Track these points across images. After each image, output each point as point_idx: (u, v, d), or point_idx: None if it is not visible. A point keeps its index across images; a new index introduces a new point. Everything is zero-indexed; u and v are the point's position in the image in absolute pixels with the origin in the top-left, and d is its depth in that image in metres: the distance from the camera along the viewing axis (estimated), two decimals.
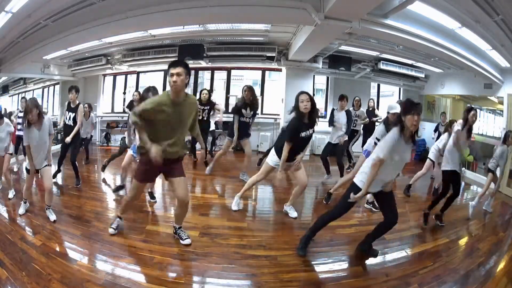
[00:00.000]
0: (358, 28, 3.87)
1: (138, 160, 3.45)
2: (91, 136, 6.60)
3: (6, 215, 3.36)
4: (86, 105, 6.17)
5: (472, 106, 3.88)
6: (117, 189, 4.23)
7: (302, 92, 3.18)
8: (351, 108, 5.66)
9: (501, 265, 2.80)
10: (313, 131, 3.25)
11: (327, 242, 3.08)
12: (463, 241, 3.28)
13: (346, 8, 3.46)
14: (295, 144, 3.19)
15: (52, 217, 3.22)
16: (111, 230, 2.97)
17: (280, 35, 5.94)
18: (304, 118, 3.14)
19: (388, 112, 3.72)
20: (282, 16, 4.02)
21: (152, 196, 3.98)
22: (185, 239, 2.87)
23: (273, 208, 4.06)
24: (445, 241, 3.19)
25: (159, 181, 4.47)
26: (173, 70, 2.44)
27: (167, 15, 4.02)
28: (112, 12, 4.21)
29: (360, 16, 3.72)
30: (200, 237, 3.00)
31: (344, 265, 2.71)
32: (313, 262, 2.66)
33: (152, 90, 3.42)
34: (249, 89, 4.64)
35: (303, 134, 3.15)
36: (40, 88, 10.17)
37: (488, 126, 6.52)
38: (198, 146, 6.02)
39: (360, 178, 2.58)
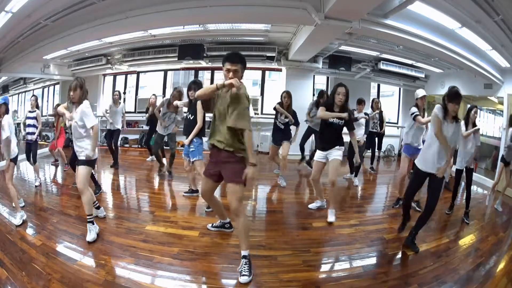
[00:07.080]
0: (358, 28, 3.88)
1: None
2: (119, 129, 5.85)
3: (6, 215, 3.36)
4: (116, 92, 5.95)
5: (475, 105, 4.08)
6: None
7: (340, 84, 3.38)
8: (369, 110, 5.97)
9: (501, 265, 2.80)
10: (343, 123, 3.40)
11: (327, 242, 3.08)
12: (463, 241, 3.28)
13: (346, 8, 3.46)
14: (324, 128, 3.48)
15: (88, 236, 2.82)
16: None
17: (280, 35, 5.94)
18: (334, 107, 3.40)
19: (416, 99, 3.95)
20: (282, 16, 4.02)
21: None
22: (243, 275, 2.27)
23: (272, 208, 4.06)
24: (445, 241, 3.19)
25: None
26: (229, 66, 2.27)
27: (167, 15, 4.02)
28: (112, 12, 4.22)
29: (360, 16, 3.72)
30: (200, 237, 3.00)
31: (344, 265, 2.70)
32: (313, 262, 2.66)
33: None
34: (288, 95, 4.62)
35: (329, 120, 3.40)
36: (40, 88, 10.19)
37: (488, 126, 6.52)
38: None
39: (418, 159, 2.93)
